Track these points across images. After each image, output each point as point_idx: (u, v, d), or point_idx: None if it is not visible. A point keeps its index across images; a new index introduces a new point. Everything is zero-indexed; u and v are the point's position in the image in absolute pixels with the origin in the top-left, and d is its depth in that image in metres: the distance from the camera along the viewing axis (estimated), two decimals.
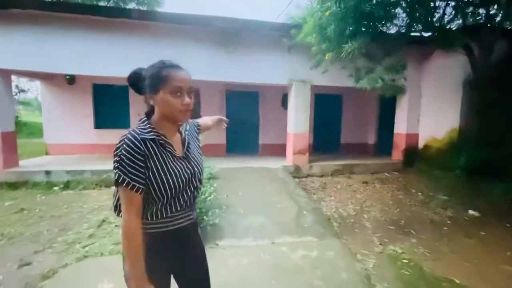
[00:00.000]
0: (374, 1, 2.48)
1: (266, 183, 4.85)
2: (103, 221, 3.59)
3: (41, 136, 7.69)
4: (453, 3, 3.93)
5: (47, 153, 6.96)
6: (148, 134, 0.97)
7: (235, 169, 5.51)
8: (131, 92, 7.59)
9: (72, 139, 6.97)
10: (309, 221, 3.52)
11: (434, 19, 3.20)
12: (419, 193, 4.87)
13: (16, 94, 15.58)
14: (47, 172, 5.12)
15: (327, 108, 8.20)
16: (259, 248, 2.85)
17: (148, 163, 0.95)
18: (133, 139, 0.93)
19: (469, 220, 3.73)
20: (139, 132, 0.96)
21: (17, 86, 15.68)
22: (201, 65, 5.42)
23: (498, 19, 4.39)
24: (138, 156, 0.92)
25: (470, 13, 4.23)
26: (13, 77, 6.84)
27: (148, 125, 1.00)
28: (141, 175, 0.93)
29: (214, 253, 2.74)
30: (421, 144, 6.60)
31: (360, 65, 3.90)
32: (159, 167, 0.97)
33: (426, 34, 4.47)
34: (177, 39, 5.32)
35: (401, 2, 3.04)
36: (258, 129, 7.92)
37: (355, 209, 4.15)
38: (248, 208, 3.77)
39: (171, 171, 1.00)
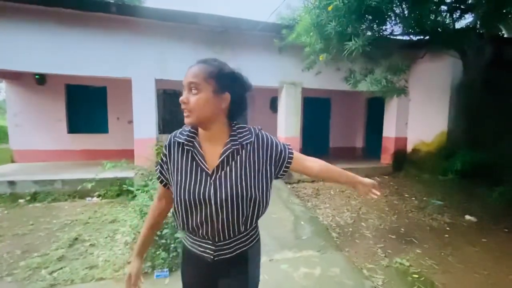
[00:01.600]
0: None
1: None
2: (76, 239, 3.15)
3: (7, 141, 6.94)
4: (445, 7, 3.89)
5: (12, 161, 6.26)
6: (180, 137, 0.94)
7: None
8: (110, 93, 7.10)
9: (41, 145, 6.32)
10: (307, 232, 3.28)
11: (434, 21, 3.09)
12: (413, 198, 4.79)
13: None
14: (11, 183, 4.53)
15: (315, 111, 8.09)
16: None
17: (169, 165, 0.95)
18: (167, 139, 0.98)
19: (468, 226, 3.65)
20: (175, 134, 0.97)
21: None
22: (185, 65, 5.05)
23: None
24: (162, 156, 0.99)
25: (458, 18, 4.25)
26: None
27: (190, 128, 0.96)
28: (163, 171, 1.00)
29: None
30: (409, 148, 6.61)
31: (358, 67, 3.76)
32: (177, 172, 0.93)
33: (415, 38, 4.44)
34: (160, 37, 4.96)
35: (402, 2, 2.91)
36: None
37: (352, 217, 3.96)
38: None
39: (186, 182, 0.90)
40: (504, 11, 3.29)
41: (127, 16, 4.67)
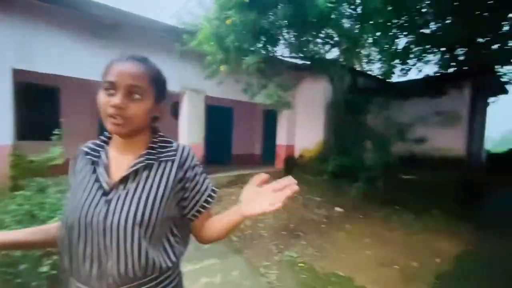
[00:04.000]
0: (270, 20, 2.62)
1: None
2: None
3: None
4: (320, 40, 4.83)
5: None
6: (88, 146, 0.81)
7: None
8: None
9: None
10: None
11: (311, 50, 3.78)
12: (300, 197, 5.57)
13: None
14: None
15: (219, 119, 8.26)
16: None
17: (73, 181, 0.80)
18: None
19: (338, 216, 4.55)
20: (87, 142, 0.83)
21: None
22: (62, 57, 4.19)
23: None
24: (71, 170, 0.84)
25: (328, 50, 5.38)
26: None
27: (107, 135, 0.82)
28: None
29: None
30: (297, 154, 7.71)
31: (255, 80, 4.11)
32: (72, 189, 0.78)
33: (300, 61, 5.31)
34: (24, 16, 3.90)
35: (288, 30, 3.40)
36: None
37: (250, 220, 4.21)
38: None
39: (75, 200, 0.74)
40: (357, 50, 4.39)
41: None
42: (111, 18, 4.46)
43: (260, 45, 3.14)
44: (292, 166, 7.48)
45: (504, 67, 7.98)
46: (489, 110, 8.14)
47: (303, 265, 2.88)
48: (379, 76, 7.74)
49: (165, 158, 0.78)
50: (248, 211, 0.72)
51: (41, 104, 5.64)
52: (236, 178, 6.36)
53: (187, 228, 0.84)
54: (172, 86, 5.32)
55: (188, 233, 0.86)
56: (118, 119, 0.70)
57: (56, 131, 3.99)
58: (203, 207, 0.81)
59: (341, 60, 5.46)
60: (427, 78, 7.01)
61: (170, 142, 0.83)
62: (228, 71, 3.98)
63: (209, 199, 0.82)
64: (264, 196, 0.71)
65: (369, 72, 7.47)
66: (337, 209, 4.81)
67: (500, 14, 5.49)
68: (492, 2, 4.81)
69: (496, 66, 6.79)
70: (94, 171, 0.76)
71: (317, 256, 3.11)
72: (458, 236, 3.62)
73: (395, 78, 8.29)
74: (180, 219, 0.81)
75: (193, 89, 5.58)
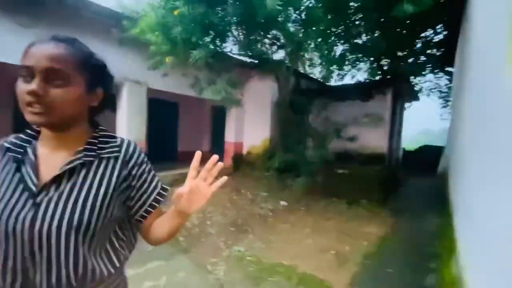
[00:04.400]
0: (220, 15, 2.60)
1: None
2: None
3: None
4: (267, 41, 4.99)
5: None
6: (9, 141, 0.70)
7: None
8: None
9: None
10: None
11: (259, 50, 3.88)
12: (248, 193, 5.70)
13: None
14: None
15: (164, 114, 7.81)
16: None
17: None
18: None
19: (282, 210, 4.81)
20: (11, 137, 0.72)
21: None
22: None
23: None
24: None
25: (275, 51, 5.61)
26: None
27: (35, 128, 0.73)
28: None
29: None
30: (245, 151, 7.83)
31: (203, 75, 4.00)
32: None
33: (248, 60, 5.40)
34: None
35: (237, 27, 3.42)
36: None
37: (198, 217, 4.14)
38: None
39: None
40: (301, 53, 4.68)
41: None
42: None
43: (208, 39, 3.08)
44: (240, 163, 7.57)
45: (417, 78, 9.58)
46: (405, 114, 9.68)
47: (250, 258, 2.97)
48: (320, 79, 8.40)
49: (107, 155, 0.72)
50: (189, 210, 0.72)
51: None
52: (182, 176, 6.12)
53: (134, 229, 0.80)
54: None
55: (135, 235, 0.82)
56: (36, 108, 0.60)
57: None
58: (152, 206, 0.78)
59: (286, 61, 5.74)
60: (358, 84, 7.92)
61: (113, 137, 0.77)
62: (174, 64, 3.80)
63: (158, 197, 0.80)
64: (197, 190, 0.72)
65: (311, 75, 8.04)
66: (282, 202, 5.09)
67: (414, 32, 6.55)
68: (408, 22, 5.70)
69: (411, 77, 8.10)
70: (18, 170, 0.66)
71: (264, 249, 3.25)
72: (381, 221, 4.22)
73: (333, 82, 9.13)
74: (126, 220, 0.77)
75: (134, 80, 5.15)
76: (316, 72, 10.08)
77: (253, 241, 3.44)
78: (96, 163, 0.70)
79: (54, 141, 0.70)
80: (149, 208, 0.77)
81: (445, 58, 7.03)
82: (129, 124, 5.15)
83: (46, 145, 0.70)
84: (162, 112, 7.78)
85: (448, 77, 8.90)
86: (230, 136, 7.57)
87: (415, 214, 4.57)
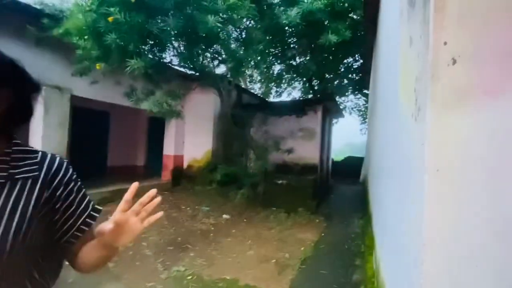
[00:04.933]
0: (160, 26, 2.54)
1: None
2: None
3: None
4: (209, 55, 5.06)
5: None
6: None
7: None
8: None
9: None
10: (73, 274, 2.65)
11: (200, 63, 3.91)
12: (188, 208, 5.47)
13: None
14: None
15: (91, 125, 6.97)
16: None
17: None
18: None
19: (225, 223, 4.78)
20: None
21: None
22: None
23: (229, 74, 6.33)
24: None
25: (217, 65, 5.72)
26: None
27: None
28: None
29: None
30: (185, 164, 7.55)
31: (140, 85, 3.76)
32: None
33: (189, 72, 5.35)
34: None
35: (178, 39, 3.39)
36: None
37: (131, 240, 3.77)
38: None
39: None
40: (242, 69, 4.88)
41: None
42: None
43: (147, 48, 2.95)
44: (180, 177, 7.26)
45: (342, 97, 10.99)
46: (333, 128, 10.97)
47: (191, 277, 2.84)
48: (260, 95, 8.85)
49: (23, 175, 0.61)
50: (115, 244, 0.64)
51: None
52: (112, 194, 5.51)
53: (59, 254, 0.71)
54: None
55: (60, 261, 0.72)
56: None
57: None
58: (80, 230, 0.69)
59: (228, 76, 5.90)
60: (294, 101, 8.64)
61: (32, 152, 0.66)
62: (106, 71, 3.50)
63: (88, 220, 0.71)
64: (126, 225, 0.64)
65: (252, 90, 8.41)
66: (225, 216, 5.05)
67: (338, 59, 7.57)
68: (333, 49, 6.58)
69: (337, 96, 9.27)
70: None
71: (205, 265, 3.15)
72: (315, 227, 4.59)
73: (272, 98, 9.73)
74: (49, 245, 0.67)
75: (54, 85, 4.50)
76: (256, 88, 10.59)
77: (193, 259, 3.31)
78: (8, 185, 0.59)
79: None
80: (76, 233, 0.68)
81: (362, 82, 8.31)
82: (45, 134, 4.43)
83: None
84: (90, 122, 6.93)
85: (365, 98, 10.51)
86: (169, 149, 7.22)
87: (342, 218, 5.13)
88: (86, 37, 2.86)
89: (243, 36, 4.47)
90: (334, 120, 10.72)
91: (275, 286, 2.72)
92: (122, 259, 3.17)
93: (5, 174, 0.59)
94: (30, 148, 0.67)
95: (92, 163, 7.00)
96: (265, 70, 7.41)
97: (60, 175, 0.66)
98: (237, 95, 7.06)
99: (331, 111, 7.69)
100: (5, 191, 0.58)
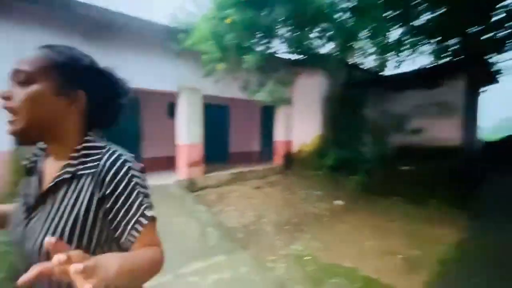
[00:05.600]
0: (268, 16, 2.63)
1: (160, 204, 4.19)
2: None
3: None
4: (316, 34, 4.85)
5: None
6: (32, 151, 0.71)
7: None
8: None
9: None
10: (214, 238, 3.29)
11: (308, 45, 3.80)
12: (301, 191, 5.64)
13: None
14: None
15: (216, 118, 8.25)
16: (162, 286, 2.35)
17: None
18: None
19: (339, 209, 4.62)
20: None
21: None
22: None
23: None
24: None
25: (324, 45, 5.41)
26: None
27: None
28: None
29: None
30: (295, 150, 7.76)
31: (254, 78, 4.11)
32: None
33: (296, 57, 5.33)
34: (18, 22, 3.83)
35: (285, 26, 3.41)
36: (140, 140, 6.92)
37: (254, 215, 4.26)
38: None
39: (11, 218, 0.66)
40: (352, 43, 4.43)
41: None
42: (103, 20, 4.41)
43: (259, 42, 3.15)
44: (291, 161, 7.53)
45: (495, 57, 8.13)
46: (481, 100, 8.31)
47: (309, 258, 2.93)
48: (374, 69, 7.79)
49: (86, 171, 0.61)
50: None
51: None
52: (235, 175, 6.39)
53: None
54: (168, 86, 5.34)
55: None
56: (9, 116, 0.58)
57: None
58: (132, 236, 0.61)
59: (336, 54, 5.50)
60: (421, 70, 7.10)
61: (98, 148, 0.64)
62: (226, 69, 3.99)
63: (136, 226, 0.61)
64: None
65: (364, 66, 7.52)
66: (337, 202, 4.89)
67: (489, 4, 5.57)
68: None
69: (486, 56, 6.92)
70: (29, 183, 0.66)
71: (322, 249, 3.17)
72: (456, 224, 3.72)
73: (389, 71, 8.36)
74: (115, 246, 0.64)
75: (191, 88, 5.57)
76: (370, 62, 9.37)
77: (309, 241, 3.39)
78: (74, 181, 0.61)
79: (51, 154, 0.66)
80: (130, 238, 0.61)
81: None
82: (187, 129, 5.59)
83: (50, 158, 0.67)
84: (214, 116, 8.23)
85: None
86: (279, 135, 7.60)
87: (500, 218, 3.91)
88: (209, 42, 3.37)
89: (354, 4, 3.99)
90: (483, 88, 8.13)
91: (404, 284, 2.41)
92: (248, 232, 3.64)
93: (73, 169, 0.61)
94: (99, 145, 0.66)
95: (218, 150, 8.34)
96: (380, 39, 6.39)
97: (111, 172, 0.61)
98: (347, 73, 6.51)
99: (478, 77, 5.85)
100: (72, 186, 0.61)
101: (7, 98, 0.57)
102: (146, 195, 0.64)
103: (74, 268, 0.39)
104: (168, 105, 7.22)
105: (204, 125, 6.05)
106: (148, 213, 0.62)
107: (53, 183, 0.61)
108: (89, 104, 0.65)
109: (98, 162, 0.62)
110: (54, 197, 0.61)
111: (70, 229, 0.58)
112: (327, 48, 5.13)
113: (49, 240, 0.42)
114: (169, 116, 7.15)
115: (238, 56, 2.97)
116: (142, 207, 0.61)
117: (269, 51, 3.50)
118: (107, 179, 0.60)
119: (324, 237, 3.49)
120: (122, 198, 0.60)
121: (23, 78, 0.57)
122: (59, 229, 0.58)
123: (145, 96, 6.73)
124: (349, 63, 7.11)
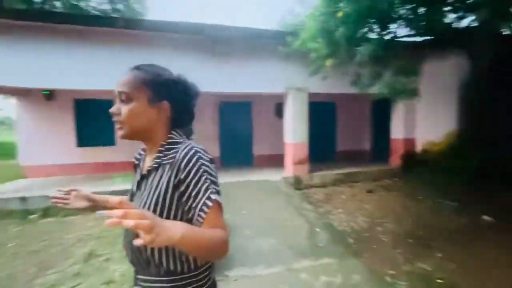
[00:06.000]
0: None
1: (269, 198, 4.54)
2: (90, 254, 3.12)
3: (15, 157, 7.00)
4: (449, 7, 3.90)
5: (22, 177, 6.30)
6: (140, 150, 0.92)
7: (234, 184, 5.16)
8: None
9: (51, 159, 6.37)
10: (323, 239, 3.23)
11: (441, 22, 3.10)
12: (428, 200, 4.71)
13: None
14: (22, 199, 4.55)
15: (321, 116, 8.06)
16: (275, 277, 2.51)
17: None
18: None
19: (486, 227, 3.57)
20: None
21: None
22: (191, 76, 5.10)
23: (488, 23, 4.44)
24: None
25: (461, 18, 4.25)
26: None
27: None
28: None
29: (225, 287, 2.38)
30: (418, 149, 6.54)
31: (366, 70, 3.75)
32: None
33: (420, 39, 4.45)
34: (164, 49, 5.02)
35: (406, 5, 2.92)
36: (252, 139, 7.64)
37: (366, 222, 3.90)
38: (255, 229, 3.42)
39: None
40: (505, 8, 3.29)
41: (133, 30, 4.75)
42: (224, 35, 5.12)
43: (374, 29, 2.83)
44: (413, 163, 6.41)
45: None
46: None
47: (441, 281, 2.42)
48: None
49: (165, 161, 0.76)
50: None
51: None
52: (344, 176, 6.05)
53: None
54: (277, 87, 5.64)
55: None
56: (117, 124, 0.77)
57: (191, 136, 4.95)
58: (200, 217, 0.70)
59: (480, 26, 4.23)
60: None
61: (177, 144, 0.78)
62: (334, 65, 3.82)
63: (203, 208, 0.69)
64: None
65: None
66: (486, 217, 3.78)
67: None
68: None
69: None
70: (136, 173, 0.88)
71: (460, 273, 2.54)
72: None
73: None
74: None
75: (297, 88, 5.68)
76: None
77: (441, 261, 2.78)
78: (160, 169, 0.77)
79: (148, 151, 0.85)
80: (198, 219, 0.70)
81: None
82: (294, 128, 5.74)
83: (147, 155, 0.86)
84: (320, 114, 8.06)
85: None
86: (397, 132, 6.62)
87: None
88: (318, 40, 3.31)
89: None
90: None
91: None
92: (359, 239, 3.37)
93: (159, 161, 0.77)
94: (178, 140, 0.80)
95: (324, 148, 8.11)
96: None
97: (184, 162, 0.72)
98: (499, 50, 4.90)
99: None
100: (158, 173, 0.77)
101: (116, 114, 0.77)
102: (213, 182, 0.72)
103: (126, 222, 0.48)
104: (276, 105, 7.65)
105: (310, 123, 6.05)
106: (213, 196, 0.70)
107: (145, 171, 0.80)
108: (171, 109, 0.80)
109: (175, 154, 0.75)
110: (146, 182, 0.79)
111: (154, 206, 0.73)
112: (465, 22, 4.04)
113: (116, 200, 0.53)
114: (277, 116, 7.57)
115: (350, 49, 2.78)
116: (208, 191, 0.70)
117: (387, 37, 3.08)
118: (182, 166, 0.72)
119: (463, 259, 2.78)
120: (193, 182, 0.70)
121: (124, 98, 0.75)
122: (146, 207, 0.74)
123: (256, 99, 7.39)
124: (501, 34, 5.33)
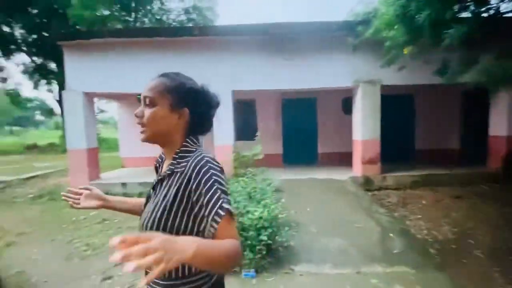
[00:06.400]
0: None
1: (335, 197, 4.37)
2: None
3: (117, 150, 8.58)
4: None
5: (122, 166, 7.68)
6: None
7: (298, 181, 5.15)
8: None
9: (143, 152, 7.55)
10: (398, 246, 2.95)
11: None
12: None
13: (97, 114, 18.19)
14: (123, 184, 5.55)
15: (395, 110, 7.24)
16: (343, 278, 2.44)
17: None
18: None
19: None
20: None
21: (97, 107, 18.34)
22: (257, 75, 5.32)
23: None
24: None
25: None
26: (95, 99, 7.83)
27: None
28: None
29: (291, 280, 2.43)
30: None
31: (455, 56, 3.20)
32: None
33: None
34: (233, 51, 5.33)
35: None
36: (317, 137, 7.43)
37: (454, 232, 3.37)
38: (321, 227, 3.36)
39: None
40: None
41: (207, 36, 5.21)
42: (290, 33, 5.13)
43: (468, 8, 2.39)
44: None
45: None
46: None
47: None
48: None
49: (178, 169, 0.77)
50: None
51: (246, 114, 7.37)
52: (422, 178, 5.34)
53: None
54: (344, 81, 5.35)
55: None
56: (140, 127, 0.80)
57: (256, 133, 5.16)
58: (213, 228, 0.69)
59: None
60: None
61: (190, 152, 0.80)
62: (414, 53, 3.41)
63: (216, 217, 0.69)
64: None
65: None
66: None
67: None
68: None
69: None
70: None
71: None
72: None
73: None
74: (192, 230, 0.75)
75: (367, 80, 5.27)
76: None
77: None
78: (172, 176, 0.78)
79: (166, 156, 0.87)
80: (211, 229, 0.69)
81: None
82: (363, 124, 5.36)
83: (166, 160, 0.88)
84: (394, 108, 7.25)
85: None
86: (498, 129, 5.49)
87: None
88: (396, 26, 2.99)
89: None
90: None
91: None
92: (444, 251, 2.95)
93: (172, 167, 0.79)
94: (191, 149, 0.81)
95: (400, 146, 7.27)
96: None
97: (194, 172, 0.73)
98: None
99: None
100: (170, 180, 0.78)
101: (140, 116, 0.80)
102: (224, 191, 0.72)
103: (126, 267, 0.43)
104: (343, 100, 7.24)
105: (382, 119, 5.52)
106: (226, 205, 0.69)
107: (160, 177, 0.82)
108: (191, 116, 0.82)
109: (187, 163, 0.76)
110: (160, 187, 0.81)
111: (160, 214, 0.75)
112: None
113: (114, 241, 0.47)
114: (344, 112, 7.17)
115: (436, 34, 2.41)
116: (220, 201, 0.69)
117: (485, 14, 2.56)
118: (193, 176, 0.73)
119: None
120: (204, 191, 0.71)
121: (148, 102, 0.79)
122: (154, 213, 0.76)
123: (321, 94, 7.15)
124: None
